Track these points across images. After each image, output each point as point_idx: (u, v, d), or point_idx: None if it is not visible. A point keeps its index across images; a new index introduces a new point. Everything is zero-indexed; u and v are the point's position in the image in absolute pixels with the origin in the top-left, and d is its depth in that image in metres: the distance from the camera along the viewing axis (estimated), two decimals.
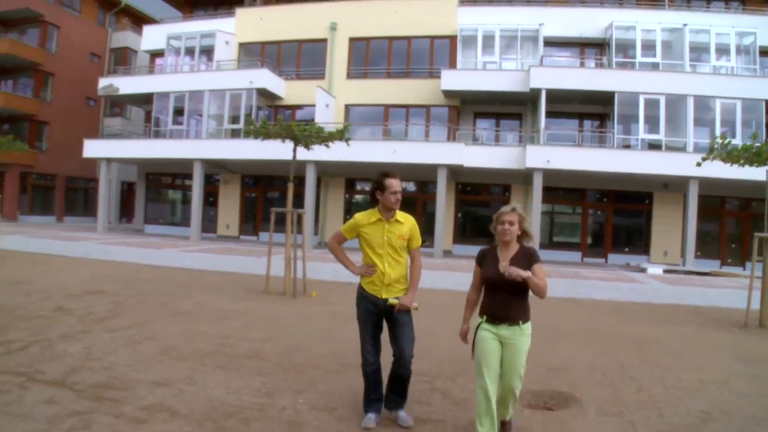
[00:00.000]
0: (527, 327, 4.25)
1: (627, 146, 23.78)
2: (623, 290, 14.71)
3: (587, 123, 26.34)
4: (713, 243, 24.91)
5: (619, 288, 15.15)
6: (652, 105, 22.66)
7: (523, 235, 4.30)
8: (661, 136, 22.53)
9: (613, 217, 25.98)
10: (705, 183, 21.51)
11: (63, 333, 7.31)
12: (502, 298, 4.21)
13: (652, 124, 22.95)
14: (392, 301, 4.54)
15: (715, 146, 10.22)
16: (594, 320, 10.29)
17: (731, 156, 10.10)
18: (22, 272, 12.71)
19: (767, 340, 9.08)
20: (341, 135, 11.63)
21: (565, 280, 16.09)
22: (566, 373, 6.52)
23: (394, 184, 4.57)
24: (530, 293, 4.22)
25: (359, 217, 4.73)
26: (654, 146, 23.16)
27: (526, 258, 4.20)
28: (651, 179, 23.02)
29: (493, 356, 4.18)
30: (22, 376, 5.49)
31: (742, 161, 10.16)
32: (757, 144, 9.71)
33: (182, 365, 6.13)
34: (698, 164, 10.48)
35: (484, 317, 4.30)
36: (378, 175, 4.65)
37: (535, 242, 4.39)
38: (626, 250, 25.44)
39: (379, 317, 4.68)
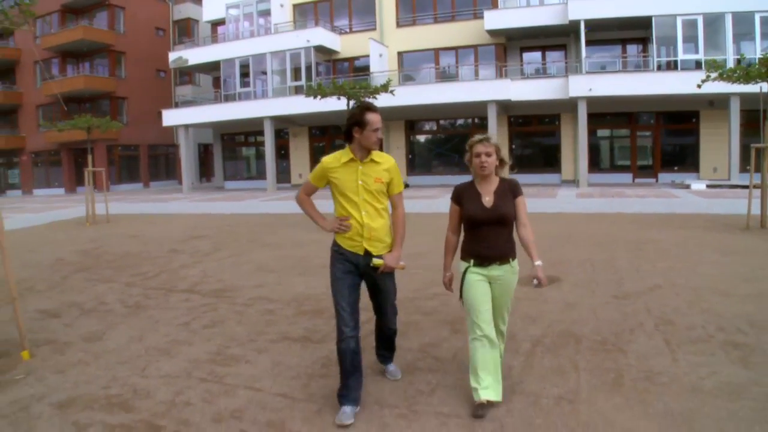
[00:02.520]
0: (516, 263, 3.97)
1: (671, 68, 24.45)
2: (654, 204, 16.12)
3: (631, 48, 26.94)
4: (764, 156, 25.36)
5: (652, 203, 16.55)
6: (690, 26, 23.22)
7: (501, 164, 3.98)
8: (700, 55, 23.15)
9: (661, 138, 26.72)
10: (749, 98, 22.05)
11: (181, 264, 9.65)
12: (489, 236, 3.88)
13: (693, 44, 23.57)
14: (376, 261, 3.86)
15: (710, 69, 11.47)
16: (611, 229, 11.91)
17: (727, 76, 11.35)
18: (132, 229, 15.29)
19: (757, 238, 10.31)
20: (385, 88, 13.50)
21: (604, 199, 17.62)
22: (562, 264, 8.34)
23: (376, 120, 3.82)
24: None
25: (327, 160, 4.00)
26: (699, 65, 23.74)
27: (511, 191, 3.93)
28: (695, 98, 23.66)
29: (485, 299, 3.90)
30: (162, 289, 7.79)
31: (741, 80, 11.37)
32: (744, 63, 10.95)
33: (273, 275, 8.32)
34: (698, 86, 11.74)
35: (471, 261, 3.95)
36: (355, 108, 3.92)
37: (505, 170, 4.05)
38: (676, 168, 26.24)
39: (359, 278, 3.98)
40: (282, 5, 31.54)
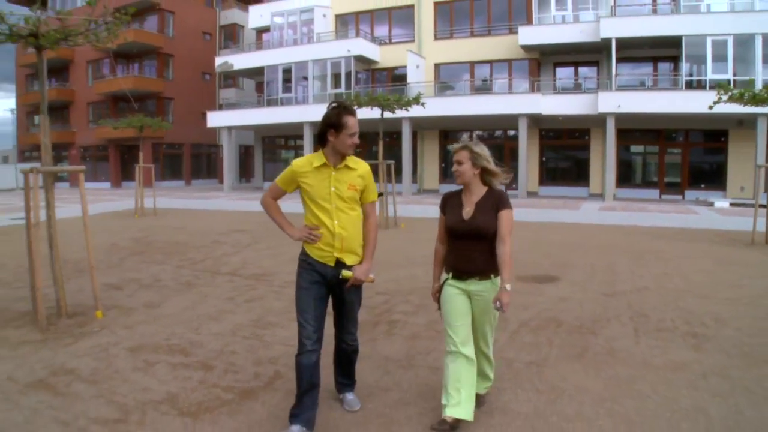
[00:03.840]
0: (500, 280, 3.63)
1: (700, 87, 24.94)
2: (671, 219, 16.77)
3: (663, 66, 27.45)
4: None
5: (669, 218, 17.21)
6: (720, 46, 23.70)
7: (487, 173, 3.72)
8: (729, 75, 23.61)
9: (689, 156, 27.18)
10: None
11: (224, 253, 10.78)
12: (467, 249, 3.69)
13: (723, 63, 24.03)
14: (345, 273, 3.65)
15: (720, 92, 12.14)
16: (621, 239, 12.67)
17: (735, 98, 12.02)
18: (178, 222, 16.55)
19: (758, 253, 10.87)
20: (417, 101, 14.49)
21: (625, 213, 18.35)
22: (565, 267, 9.22)
23: (353, 123, 3.60)
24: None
25: (298, 163, 3.74)
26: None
27: (495, 204, 3.67)
28: (724, 118, 24.11)
29: (460, 315, 3.70)
30: (209, 272, 8.90)
31: (749, 103, 12.03)
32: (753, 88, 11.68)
33: None
34: (710, 107, 12.40)
35: (450, 273, 3.83)
36: (332, 109, 3.67)
37: (500, 180, 3.77)
38: (703, 186, 26.60)
39: (326, 291, 3.76)
40: (325, 15, 32.86)
